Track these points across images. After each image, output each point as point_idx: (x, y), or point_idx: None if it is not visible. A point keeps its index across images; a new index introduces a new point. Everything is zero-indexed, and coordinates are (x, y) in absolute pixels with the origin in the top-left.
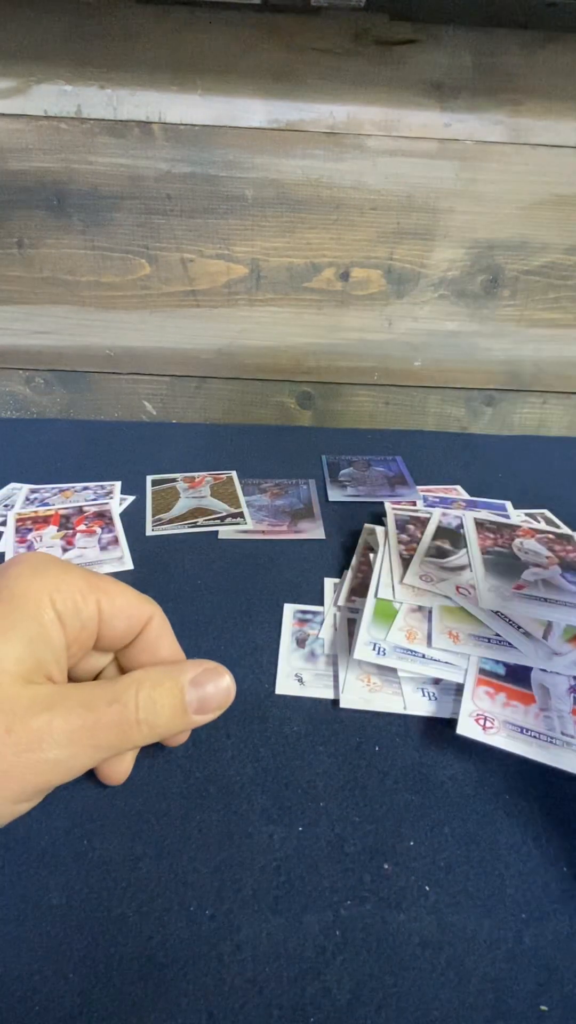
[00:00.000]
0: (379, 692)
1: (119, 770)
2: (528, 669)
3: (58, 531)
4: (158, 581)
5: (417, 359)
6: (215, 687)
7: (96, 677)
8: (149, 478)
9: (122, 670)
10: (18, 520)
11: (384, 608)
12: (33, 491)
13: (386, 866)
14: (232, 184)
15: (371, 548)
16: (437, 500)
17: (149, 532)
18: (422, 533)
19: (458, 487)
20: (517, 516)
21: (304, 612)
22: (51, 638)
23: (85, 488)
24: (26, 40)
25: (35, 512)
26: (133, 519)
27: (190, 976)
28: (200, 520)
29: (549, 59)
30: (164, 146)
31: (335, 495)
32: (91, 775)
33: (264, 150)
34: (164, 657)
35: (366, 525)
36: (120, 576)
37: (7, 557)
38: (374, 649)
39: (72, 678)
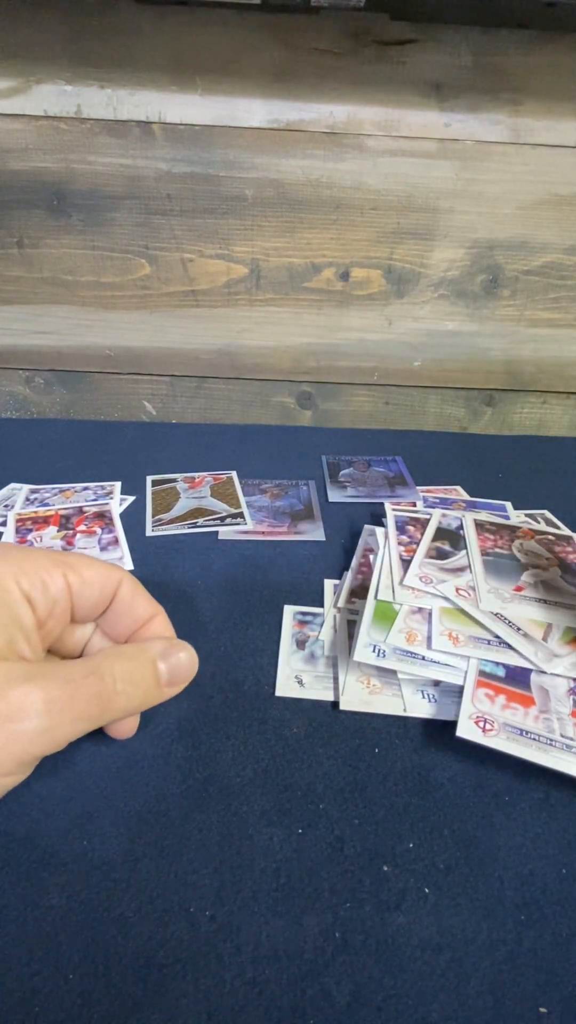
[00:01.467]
0: (379, 694)
1: (123, 726)
2: (528, 671)
3: (58, 531)
4: (158, 581)
5: (417, 359)
6: (180, 660)
7: (83, 648)
8: (149, 478)
9: (108, 637)
10: (18, 520)
11: (384, 610)
12: (33, 491)
13: (385, 868)
14: (232, 184)
15: (371, 549)
16: (437, 501)
17: (149, 532)
18: (422, 534)
19: (458, 488)
20: (517, 517)
21: (304, 614)
22: (20, 618)
23: (85, 488)
24: (26, 40)
25: (35, 512)
26: (133, 519)
27: (190, 977)
28: (200, 520)
29: (549, 59)
30: (164, 146)
31: (335, 496)
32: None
33: (264, 150)
34: (143, 615)
35: (366, 526)
36: None
37: None
38: (374, 651)
39: (59, 653)
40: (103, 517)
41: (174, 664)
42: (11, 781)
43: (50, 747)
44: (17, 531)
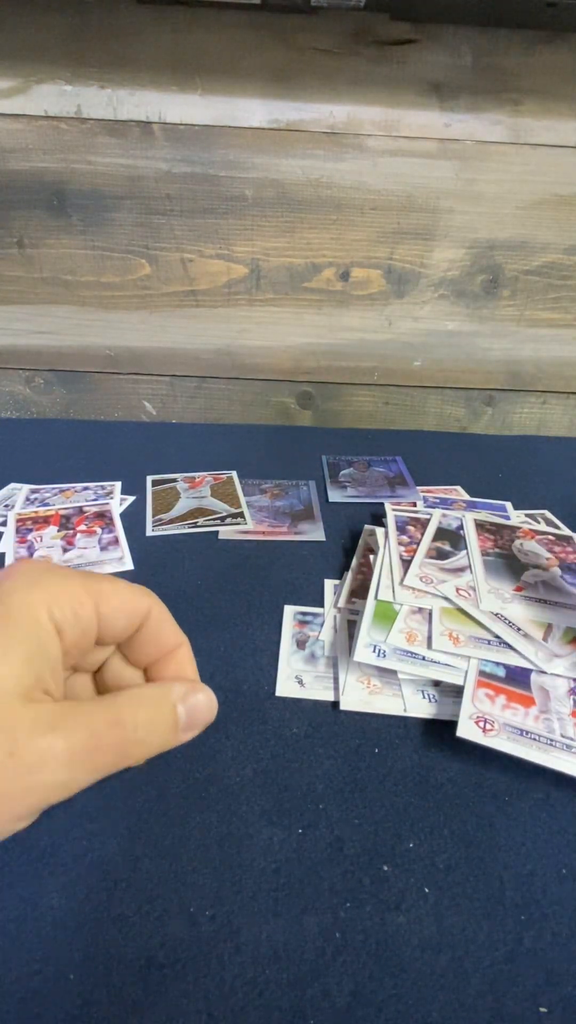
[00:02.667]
0: (379, 694)
1: None
2: (528, 671)
3: (58, 531)
4: (158, 581)
5: (417, 359)
6: (199, 702)
7: (100, 667)
8: (149, 478)
9: (128, 660)
10: (18, 520)
11: (384, 610)
12: (33, 491)
13: (385, 868)
14: (232, 184)
15: (371, 549)
16: (437, 501)
17: (149, 532)
18: (422, 534)
19: (458, 488)
20: (517, 517)
21: (304, 614)
22: (48, 652)
23: (85, 488)
24: (26, 40)
25: (35, 512)
26: (133, 519)
27: (190, 977)
28: (200, 520)
29: (549, 59)
30: (164, 146)
31: (335, 496)
32: None
33: (264, 150)
34: (169, 644)
35: (366, 526)
36: (120, 576)
37: (7, 557)
38: (374, 651)
39: (76, 669)
40: (103, 517)
41: (191, 706)
42: (21, 825)
43: (65, 796)
44: (17, 531)
